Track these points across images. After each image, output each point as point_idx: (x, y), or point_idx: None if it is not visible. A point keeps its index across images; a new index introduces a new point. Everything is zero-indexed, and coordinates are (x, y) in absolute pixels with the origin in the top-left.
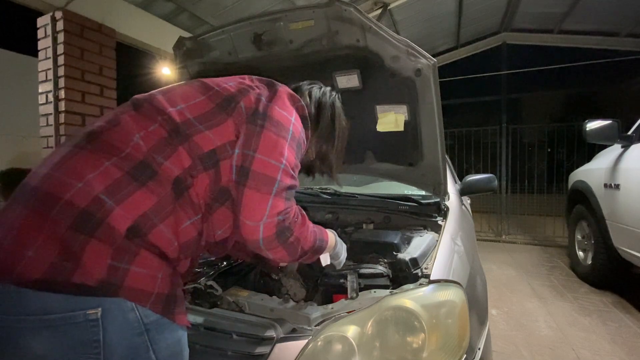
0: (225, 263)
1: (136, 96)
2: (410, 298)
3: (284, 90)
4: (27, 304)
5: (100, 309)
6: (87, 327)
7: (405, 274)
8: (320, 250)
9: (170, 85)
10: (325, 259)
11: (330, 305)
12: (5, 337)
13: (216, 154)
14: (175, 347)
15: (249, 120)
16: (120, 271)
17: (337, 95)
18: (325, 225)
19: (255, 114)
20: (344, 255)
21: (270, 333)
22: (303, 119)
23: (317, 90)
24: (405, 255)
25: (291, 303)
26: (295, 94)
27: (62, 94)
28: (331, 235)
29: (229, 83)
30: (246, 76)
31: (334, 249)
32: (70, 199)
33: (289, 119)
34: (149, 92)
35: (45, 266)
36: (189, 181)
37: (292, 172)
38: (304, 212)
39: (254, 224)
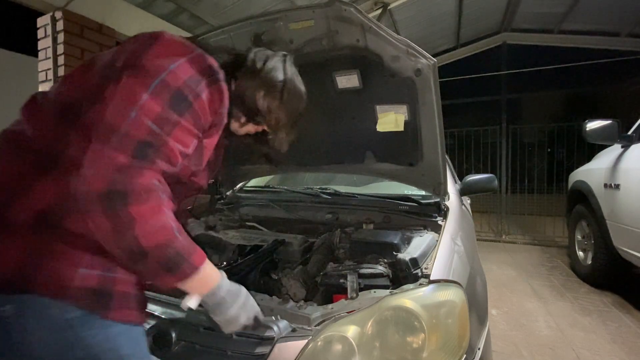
0: (225, 263)
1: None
2: (410, 298)
3: (170, 38)
4: None
5: (8, 306)
6: (3, 324)
7: (405, 274)
8: (171, 266)
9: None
10: (191, 300)
11: (330, 305)
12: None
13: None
14: (106, 344)
15: (112, 71)
16: (31, 266)
17: (288, 56)
18: (325, 225)
19: (117, 63)
20: (239, 314)
21: (270, 333)
22: (204, 70)
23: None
24: (405, 255)
25: (291, 303)
26: (190, 43)
27: None
28: (208, 268)
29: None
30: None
31: (213, 292)
32: None
33: (165, 66)
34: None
35: None
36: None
37: (152, 126)
38: (169, 201)
39: (81, 173)
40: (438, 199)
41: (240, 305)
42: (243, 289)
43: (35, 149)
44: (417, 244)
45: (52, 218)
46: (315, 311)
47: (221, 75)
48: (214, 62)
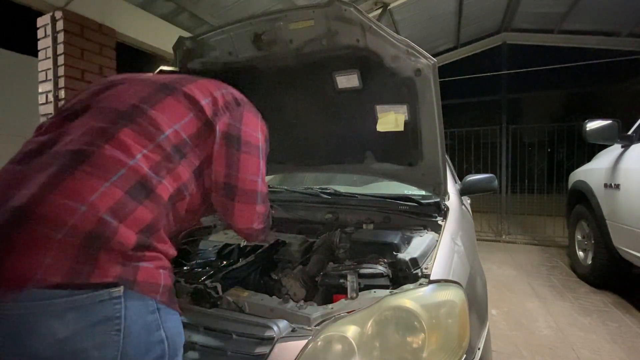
0: (225, 263)
1: (116, 106)
2: (410, 298)
3: (249, 110)
4: (53, 292)
5: (122, 287)
6: (110, 305)
7: (405, 274)
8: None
9: (154, 94)
10: None
11: (330, 305)
12: (26, 324)
13: (203, 167)
14: (178, 326)
15: (227, 144)
16: (132, 268)
17: None
18: (325, 225)
19: (231, 139)
20: None
21: (270, 333)
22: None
23: None
24: (405, 255)
25: (291, 303)
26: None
27: (62, 94)
28: None
29: (205, 100)
30: (216, 87)
31: None
32: (76, 223)
33: (257, 137)
34: (133, 103)
35: (63, 271)
36: (182, 194)
37: (265, 181)
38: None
39: (246, 227)
40: (438, 199)
41: None
42: None
43: (132, 178)
44: (417, 244)
45: (147, 237)
46: (315, 311)
47: None
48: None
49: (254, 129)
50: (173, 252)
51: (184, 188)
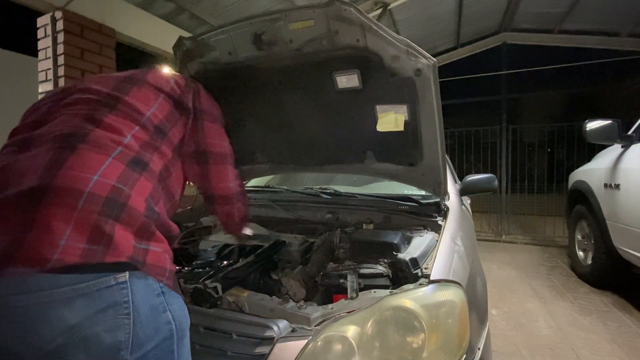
0: (225, 263)
1: (93, 96)
2: (410, 298)
3: (202, 86)
4: (59, 279)
5: (127, 273)
6: (118, 290)
7: (405, 274)
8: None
9: (121, 85)
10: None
11: (330, 305)
12: (36, 314)
13: (181, 144)
14: (183, 309)
15: (193, 117)
16: (142, 250)
17: None
18: (325, 225)
19: (195, 111)
20: None
21: (270, 333)
22: None
23: None
24: (405, 255)
25: (291, 303)
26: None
27: None
28: None
29: (169, 86)
30: (171, 74)
31: None
32: (92, 191)
33: (217, 107)
34: (107, 92)
35: (79, 251)
36: (169, 171)
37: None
38: None
39: (225, 185)
40: (438, 199)
41: None
42: None
43: (128, 154)
44: (417, 244)
45: (152, 207)
46: (315, 311)
47: None
48: None
49: (212, 101)
50: (175, 228)
51: (170, 164)
